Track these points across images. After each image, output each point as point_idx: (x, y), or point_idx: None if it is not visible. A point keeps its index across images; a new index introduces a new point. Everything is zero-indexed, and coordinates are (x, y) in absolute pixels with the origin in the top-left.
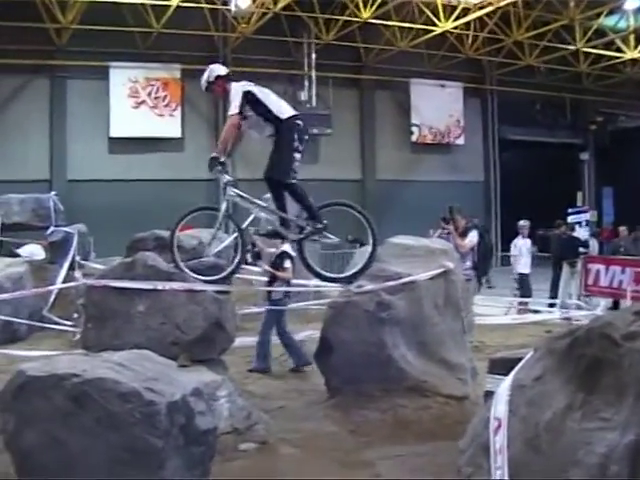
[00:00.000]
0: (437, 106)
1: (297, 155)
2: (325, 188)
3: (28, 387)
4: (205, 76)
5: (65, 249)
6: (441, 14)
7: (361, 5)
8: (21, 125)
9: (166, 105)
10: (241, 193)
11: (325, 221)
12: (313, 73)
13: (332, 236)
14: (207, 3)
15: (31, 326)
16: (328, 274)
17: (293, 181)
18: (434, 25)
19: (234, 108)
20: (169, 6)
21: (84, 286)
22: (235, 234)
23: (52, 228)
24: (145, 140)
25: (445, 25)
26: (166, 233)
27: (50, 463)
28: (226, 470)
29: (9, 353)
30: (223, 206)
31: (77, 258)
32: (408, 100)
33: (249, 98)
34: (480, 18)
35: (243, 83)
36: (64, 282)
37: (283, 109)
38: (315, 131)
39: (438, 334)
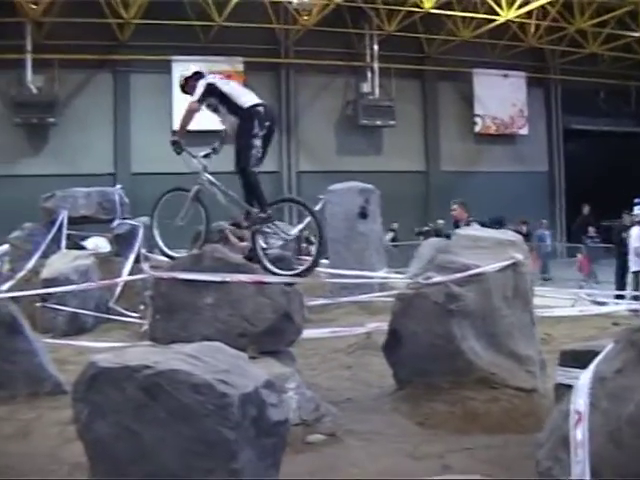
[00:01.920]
0: (500, 96)
1: (256, 141)
2: (389, 180)
3: (101, 378)
4: (183, 74)
5: (130, 242)
6: (503, 3)
7: None
8: (85, 119)
9: None
10: (212, 179)
11: (269, 212)
12: (375, 65)
13: (284, 229)
14: None
15: (97, 318)
16: (276, 269)
17: (249, 168)
18: (496, 14)
19: (195, 96)
20: None
21: (151, 278)
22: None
23: (118, 221)
24: (207, 133)
25: (507, 14)
26: (226, 225)
27: (122, 453)
28: (295, 462)
29: (76, 344)
30: (193, 189)
31: (142, 250)
32: (471, 91)
33: (211, 89)
34: (542, 6)
35: (209, 77)
36: (130, 274)
37: (245, 99)
38: (378, 123)
39: (507, 326)
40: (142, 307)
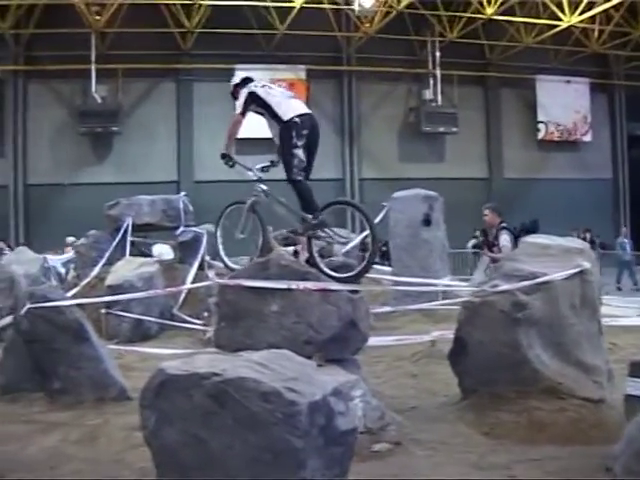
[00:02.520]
0: (563, 103)
1: (297, 151)
2: (451, 187)
3: (169, 385)
4: (231, 83)
5: (195, 249)
6: (566, 8)
7: (485, 1)
8: (149, 128)
9: None
10: (267, 190)
11: (321, 217)
12: (438, 71)
13: (340, 234)
14: (330, 3)
15: (162, 324)
16: (334, 273)
17: (297, 177)
18: (559, 20)
19: (237, 107)
20: (293, 8)
21: (216, 285)
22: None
23: (182, 228)
24: (271, 141)
25: (570, 19)
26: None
27: (189, 461)
28: (360, 470)
29: (141, 350)
30: (248, 201)
31: (207, 258)
32: (534, 97)
33: (253, 98)
34: (606, 11)
35: (252, 84)
36: (193, 281)
37: (284, 109)
38: (441, 130)
39: (574, 335)
40: (206, 314)
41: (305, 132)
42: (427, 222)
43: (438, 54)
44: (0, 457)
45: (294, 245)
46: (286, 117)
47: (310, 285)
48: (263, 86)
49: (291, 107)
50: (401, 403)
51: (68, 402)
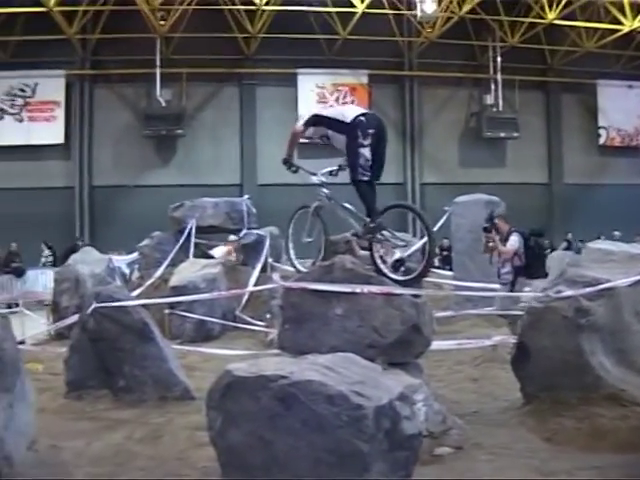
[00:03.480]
0: (625, 108)
1: (363, 150)
2: (512, 191)
3: (235, 387)
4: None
5: (257, 251)
6: (628, 12)
7: (546, 6)
8: (213, 131)
9: None
10: (329, 194)
11: (379, 221)
12: (499, 76)
13: (401, 237)
14: (392, 9)
15: (224, 325)
16: (393, 275)
17: (362, 178)
18: (620, 24)
19: (300, 121)
20: (355, 13)
21: (281, 288)
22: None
23: (245, 231)
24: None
25: (632, 24)
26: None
27: (255, 462)
28: (422, 474)
29: (204, 351)
30: (312, 206)
31: (269, 260)
32: (595, 102)
33: (316, 119)
34: None
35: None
36: (256, 284)
37: (347, 113)
38: (502, 135)
39: (637, 342)
40: (268, 316)
41: (371, 131)
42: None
43: (499, 59)
44: (67, 452)
45: (350, 249)
46: (349, 119)
47: (374, 289)
48: (322, 107)
49: (352, 110)
50: (463, 407)
51: (132, 400)
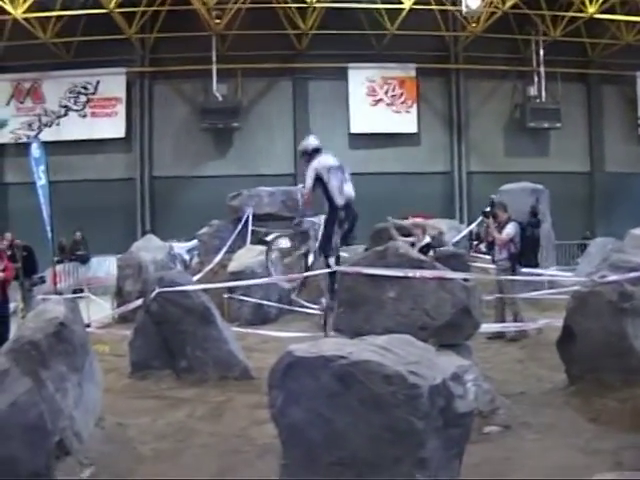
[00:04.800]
0: None
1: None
2: (555, 180)
3: (296, 366)
4: (300, 149)
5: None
6: None
7: (586, 1)
8: (267, 124)
9: (402, 102)
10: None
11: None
12: (541, 69)
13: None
14: (438, 5)
15: (280, 309)
16: None
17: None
18: None
19: (308, 186)
20: (402, 9)
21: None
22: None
23: (299, 218)
24: (383, 136)
25: None
26: (406, 223)
27: (314, 438)
28: (472, 452)
29: (261, 333)
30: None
31: None
32: (634, 93)
33: (317, 177)
34: None
35: (320, 165)
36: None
37: (339, 200)
38: (545, 125)
39: None
40: (323, 300)
41: (345, 224)
42: (534, 214)
43: (542, 52)
44: (132, 429)
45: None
46: (337, 204)
47: (426, 273)
48: (329, 170)
49: (342, 198)
50: (510, 388)
51: (194, 380)
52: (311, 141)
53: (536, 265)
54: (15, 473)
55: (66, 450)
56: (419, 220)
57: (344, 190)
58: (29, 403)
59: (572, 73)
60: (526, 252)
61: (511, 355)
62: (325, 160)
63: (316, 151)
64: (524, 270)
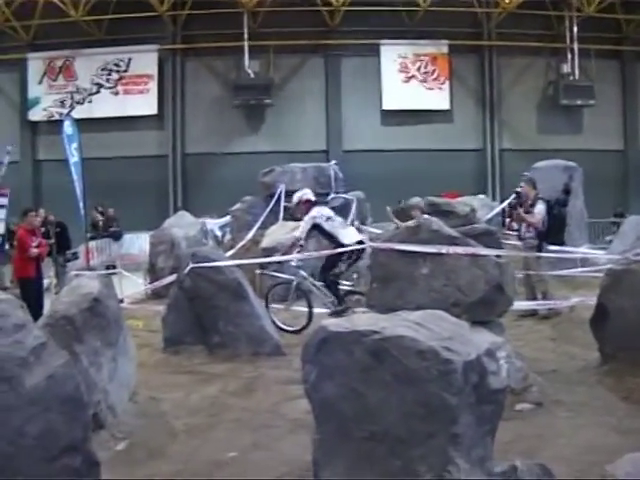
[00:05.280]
0: None
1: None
2: (588, 158)
3: (330, 341)
4: (298, 195)
5: (344, 214)
6: None
7: None
8: (299, 101)
9: (435, 79)
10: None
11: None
12: (575, 46)
13: None
14: None
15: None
16: None
17: (330, 278)
18: None
19: (301, 232)
20: None
21: (369, 249)
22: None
23: (332, 195)
24: (415, 112)
25: None
26: (438, 199)
27: (347, 413)
28: (505, 428)
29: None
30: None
31: (356, 223)
32: None
33: (317, 229)
34: None
35: (317, 215)
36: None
37: (347, 240)
38: (578, 102)
39: None
40: (355, 276)
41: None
42: (567, 191)
43: (575, 29)
44: (166, 404)
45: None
46: (345, 242)
47: (459, 250)
48: (327, 219)
49: (350, 238)
50: (542, 365)
51: (226, 355)
52: (307, 192)
53: (562, 243)
54: (54, 445)
55: (100, 423)
56: (417, 200)
57: (350, 232)
58: (66, 375)
59: (606, 50)
60: (553, 230)
61: (543, 333)
62: (318, 212)
63: (315, 203)
64: (557, 248)
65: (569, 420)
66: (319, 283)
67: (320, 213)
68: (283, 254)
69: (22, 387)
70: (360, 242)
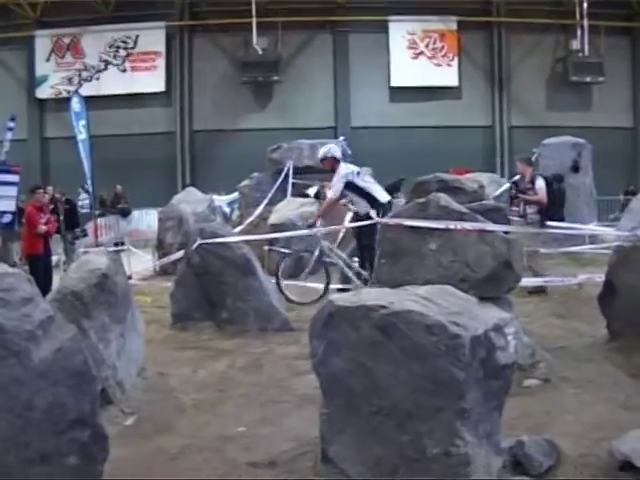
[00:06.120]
0: None
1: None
2: (598, 135)
3: (338, 316)
4: (324, 150)
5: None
6: None
7: None
8: (307, 77)
9: (443, 55)
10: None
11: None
12: (585, 22)
13: None
14: None
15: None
16: None
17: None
18: None
19: (335, 192)
20: None
21: (378, 224)
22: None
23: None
24: (423, 89)
25: None
26: (448, 176)
27: (355, 388)
28: (512, 405)
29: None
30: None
31: None
32: None
33: (350, 186)
34: None
35: (348, 172)
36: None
37: (380, 194)
38: (588, 79)
39: None
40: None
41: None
42: (575, 169)
43: (585, 5)
44: (174, 379)
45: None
46: (382, 200)
47: (467, 225)
48: (358, 174)
49: (382, 194)
50: (550, 342)
51: (235, 331)
52: (331, 148)
53: (562, 219)
54: (62, 418)
55: (109, 399)
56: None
57: (382, 190)
58: (74, 349)
59: (616, 26)
60: (554, 206)
61: (551, 310)
62: (347, 169)
63: (336, 160)
64: (565, 225)
65: (576, 396)
66: (344, 255)
67: (350, 169)
68: (318, 217)
69: (30, 360)
70: (389, 203)
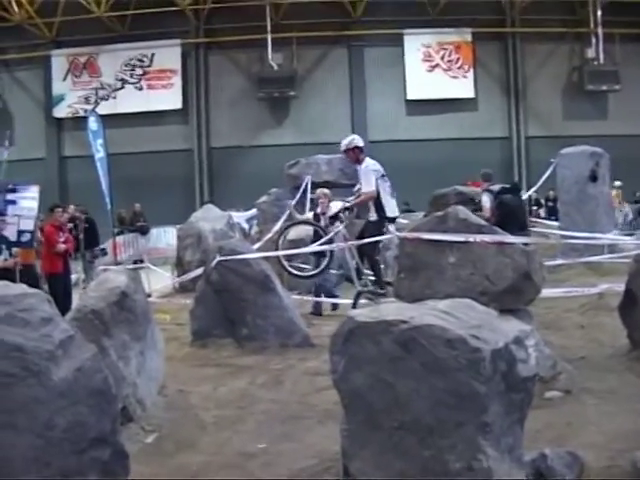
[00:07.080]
0: None
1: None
2: (615, 143)
3: (358, 332)
4: (347, 141)
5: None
6: None
7: None
8: (323, 92)
9: (459, 67)
10: None
11: None
12: (599, 30)
13: None
14: None
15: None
16: None
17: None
18: None
19: (371, 186)
20: None
21: (396, 239)
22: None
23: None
24: (440, 101)
25: None
26: (466, 189)
27: (376, 403)
28: (534, 417)
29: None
30: None
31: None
32: None
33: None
34: None
35: (370, 165)
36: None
37: (388, 209)
38: (604, 88)
39: None
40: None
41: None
42: (594, 178)
43: (599, 13)
44: (194, 397)
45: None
46: (390, 214)
47: (486, 238)
48: (383, 176)
49: (392, 209)
50: (571, 353)
51: (255, 348)
52: (355, 138)
53: (523, 230)
54: (82, 437)
55: (129, 417)
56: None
57: (393, 205)
58: (94, 368)
59: (631, 34)
60: (506, 219)
61: (572, 320)
62: (374, 165)
63: (361, 150)
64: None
65: (598, 407)
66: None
67: (377, 167)
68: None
69: (50, 380)
70: (395, 219)
